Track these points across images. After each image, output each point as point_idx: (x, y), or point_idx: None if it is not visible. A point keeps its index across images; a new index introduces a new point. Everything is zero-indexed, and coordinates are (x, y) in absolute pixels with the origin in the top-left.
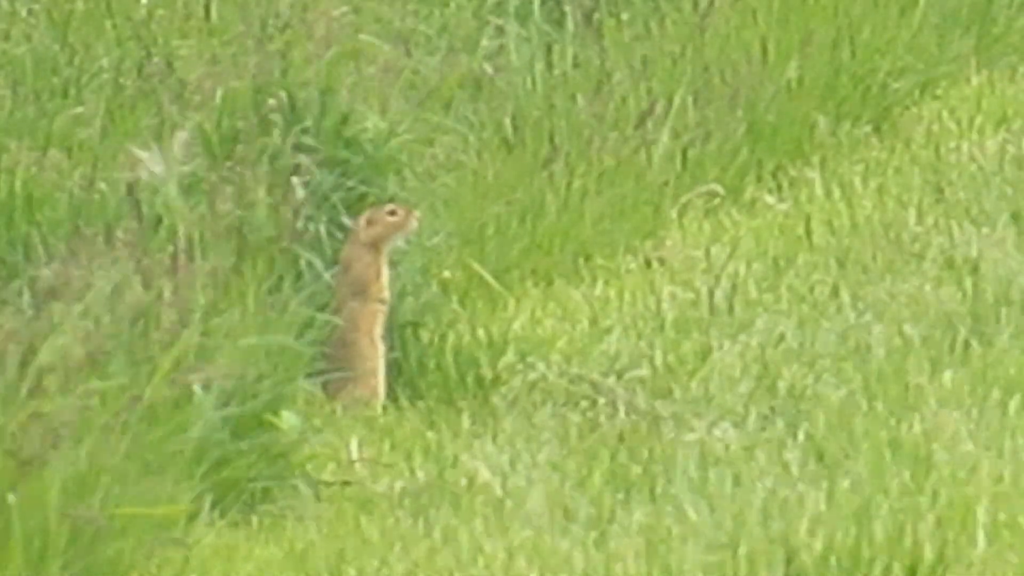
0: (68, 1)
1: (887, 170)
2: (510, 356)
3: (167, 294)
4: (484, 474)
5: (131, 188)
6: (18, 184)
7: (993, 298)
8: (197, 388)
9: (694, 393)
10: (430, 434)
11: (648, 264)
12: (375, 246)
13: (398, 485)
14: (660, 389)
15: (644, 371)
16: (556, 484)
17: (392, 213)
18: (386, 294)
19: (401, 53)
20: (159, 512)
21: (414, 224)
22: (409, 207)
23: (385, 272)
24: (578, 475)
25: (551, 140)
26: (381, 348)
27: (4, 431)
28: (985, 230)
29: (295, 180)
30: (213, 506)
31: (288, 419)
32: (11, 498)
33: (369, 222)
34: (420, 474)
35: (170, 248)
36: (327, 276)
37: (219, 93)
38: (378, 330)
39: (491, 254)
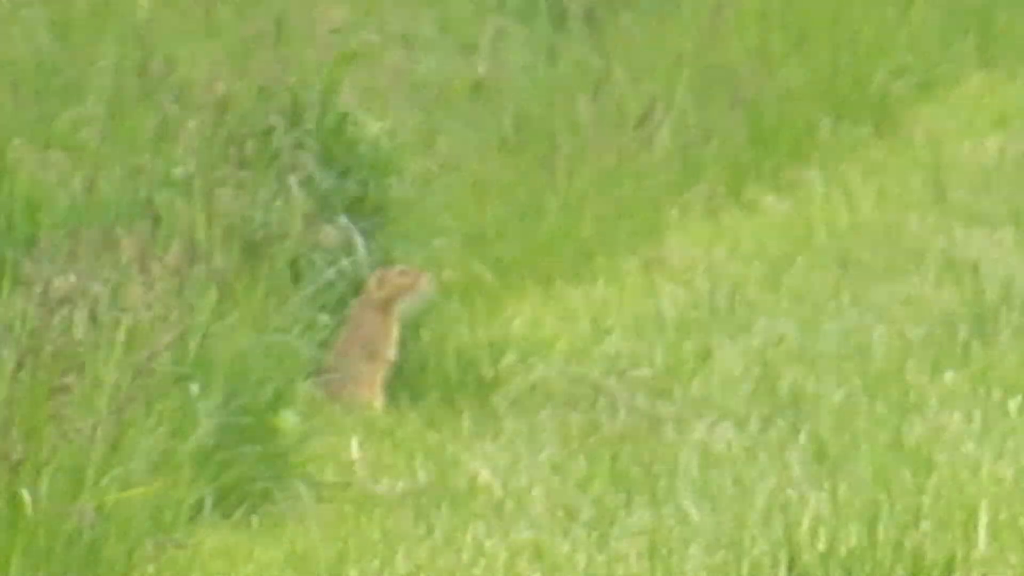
0: (68, 1)
1: (887, 171)
2: (511, 357)
3: (170, 295)
4: (485, 475)
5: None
6: (19, 185)
7: (994, 298)
8: (198, 389)
9: (695, 394)
10: (431, 435)
11: (648, 264)
12: (386, 307)
13: (399, 486)
14: (661, 389)
15: (645, 371)
16: (557, 485)
17: (402, 274)
18: (393, 354)
19: (401, 54)
20: (159, 513)
21: (423, 286)
22: (419, 269)
23: (395, 332)
24: (579, 476)
25: (551, 140)
26: (382, 398)
27: (3, 431)
28: (985, 230)
29: (293, 181)
30: (214, 507)
31: (289, 420)
32: (10, 499)
33: (379, 282)
34: (421, 475)
35: (173, 249)
36: (328, 274)
37: (221, 94)
38: (380, 384)
39: (491, 254)
